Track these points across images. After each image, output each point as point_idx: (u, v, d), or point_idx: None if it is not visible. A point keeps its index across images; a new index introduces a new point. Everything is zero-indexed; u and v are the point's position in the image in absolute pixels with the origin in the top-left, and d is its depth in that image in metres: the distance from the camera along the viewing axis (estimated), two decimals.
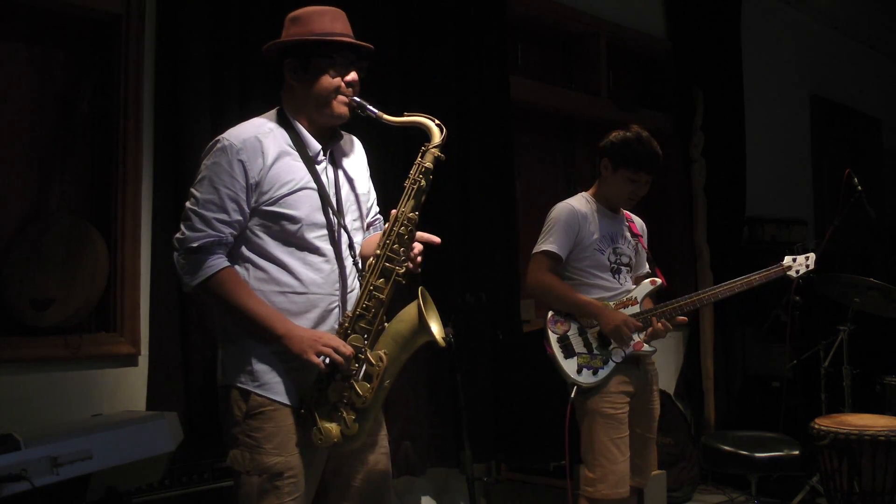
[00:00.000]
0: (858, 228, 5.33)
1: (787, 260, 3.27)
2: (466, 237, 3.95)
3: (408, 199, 2.23)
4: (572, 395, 3.05)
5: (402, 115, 2.31)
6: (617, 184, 3.19)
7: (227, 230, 2.17)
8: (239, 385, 2.20)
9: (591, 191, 3.30)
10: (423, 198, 2.24)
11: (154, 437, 2.51)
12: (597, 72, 5.06)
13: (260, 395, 2.18)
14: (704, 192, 5.32)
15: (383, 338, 2.22)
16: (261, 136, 2.22)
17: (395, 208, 2.24)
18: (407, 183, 2.25)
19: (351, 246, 2.32)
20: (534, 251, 3.19)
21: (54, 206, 3.00)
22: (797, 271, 3.25)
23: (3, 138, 2.97)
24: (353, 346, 2.18)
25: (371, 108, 2.28)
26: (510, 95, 4.25)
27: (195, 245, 2.14)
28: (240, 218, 2.18)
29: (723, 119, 5.46)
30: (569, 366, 3.07)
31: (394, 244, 2.21)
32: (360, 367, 2.19)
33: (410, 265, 2.25)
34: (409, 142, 3.65)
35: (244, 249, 2.23)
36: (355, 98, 2.29)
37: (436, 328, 2.19)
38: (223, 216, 2.16)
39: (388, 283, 2.20)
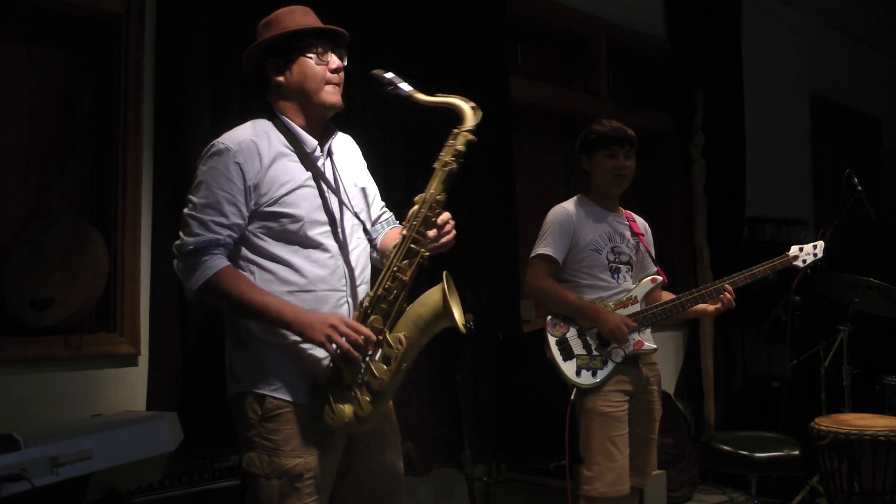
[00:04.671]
0: (858, 228, 5.32)
1: (794, 250, 3.24)
2: (467, 237, 3.94)
3: (437, 182, 2.17)
4: (572, 397, 3.06)
5: (436, 95, 2.22)
6: (600, 169, 3.23)
7: (225, 232, 2.15)
8: (254, 390, 2.18)
9: (585, 192, 3.33)
10: (454, 181, 2.19)
11: (154, 437, 2.50)
12: (597, 72, 5.06)
13: (276, 398, 2.17)
14: (704, 192, 5.32)
15: (403, 320, 2.16)
16: (256, 138, 2.21)
17: (424, 191, 2.19)
18: (437, 165, 2.19)
19: (356, 238, 2.30)
20: (531, 255, 3.21)
21: (54, 206, 3.00)
22: (804, 261, 3.23)
23: (3, 138, 2.97)
24: (373, 327, 2.13)
25: (402, 85, 2.20)
26: (510, 95, 4.24)
27: (191, 247, 2.12)
28: (239, 221, 2.16)
29: (723, 119, 5.45)
30: (568, 368, 3.08)
31: (420, 226, 2.16)
32: (379, 348, 2.14)
33: (436, 245, 2.20)
34: (409, 141, 3.66)
35: (248, 252, 2.21)
36: (386, 74, 2.23)
37: (457, 314, 2.14)
38: (221, 219, 2.14)
39: (413, 265, 2.16)
